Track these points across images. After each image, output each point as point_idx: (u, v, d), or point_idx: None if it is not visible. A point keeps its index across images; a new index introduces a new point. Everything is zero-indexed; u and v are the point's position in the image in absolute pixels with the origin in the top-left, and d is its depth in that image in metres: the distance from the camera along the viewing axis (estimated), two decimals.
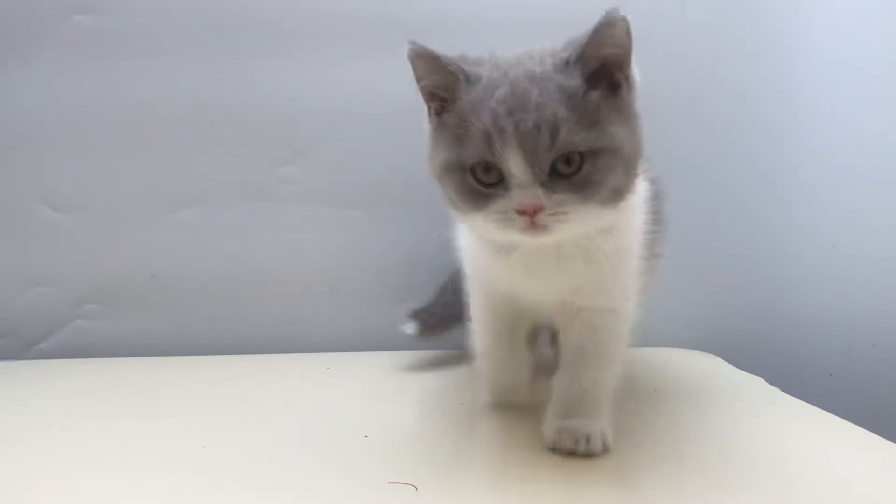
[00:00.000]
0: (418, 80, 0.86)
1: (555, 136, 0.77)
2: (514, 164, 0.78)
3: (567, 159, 0.79)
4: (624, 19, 0.79)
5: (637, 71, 0.88)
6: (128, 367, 1.46)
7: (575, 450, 0.91)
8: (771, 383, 1.35)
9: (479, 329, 1.10)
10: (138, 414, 1.17)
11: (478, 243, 0.96)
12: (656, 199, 1.03)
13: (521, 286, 0.97)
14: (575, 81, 0.80)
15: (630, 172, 0.84)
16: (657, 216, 1.03)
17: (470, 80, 0.82)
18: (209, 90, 1.54)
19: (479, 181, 0.81)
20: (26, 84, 1.52)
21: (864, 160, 1.58)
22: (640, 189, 0.94)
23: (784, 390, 1.31)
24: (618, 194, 0.83)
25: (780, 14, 1.63)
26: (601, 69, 0.82)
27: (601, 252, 0.87)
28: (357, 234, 1.57)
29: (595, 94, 0.80)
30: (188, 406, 1.21)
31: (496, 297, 1.04)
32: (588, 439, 0.91)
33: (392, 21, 1.50)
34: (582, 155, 0.79)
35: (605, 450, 0.92)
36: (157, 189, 1.56)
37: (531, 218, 0.78)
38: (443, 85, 0.84)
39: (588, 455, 0.90)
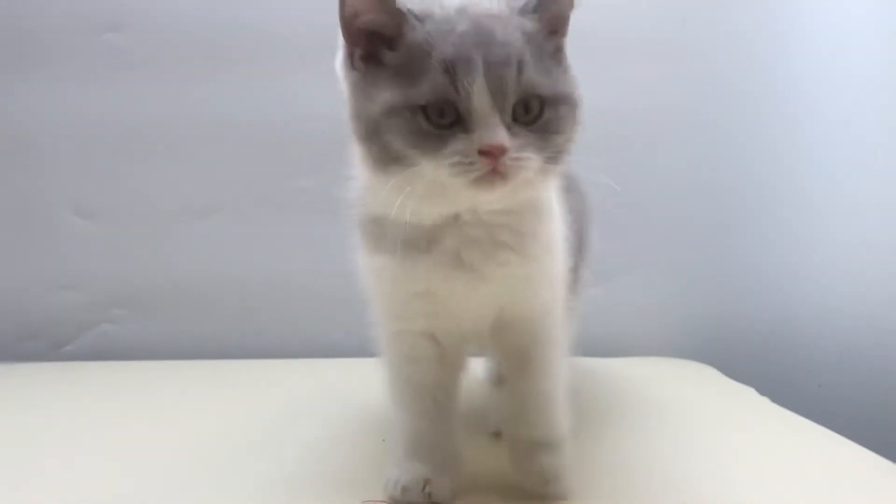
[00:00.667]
0: (352, 16, 0.75)
1: (521, 73, 0.73)
2: (480, 99, 0.71)
3: (526, 106, 0.74)
4: None
5: None
6: (151, 370, 1.54)
7: (545, 492, 0.87)
8: (761, 393, 1.41)
9: (395, 397, 0.93)
10: (160, 415, 1.24)
11: (389, 245, 0.83)
12: (578, 213, 0.98)
13: (447, 292, 0.84)
14: (536, 26, 0.77)
15: (576, 128, 0.79)
16: (578, 228, 0.97)
17: (418, 17, 0.75)
18: (230, 105, 1.63)
19: (432, 123, 0.72)
20: (58, 98, 1.60)
21: (858, 176, 1.60)
22: (555, 189, 0.89)
23: (774, 400, 1.36)
24: (565, 150, 0.78)
25: (780, 28, 1.69)
26: (552, 21, 0.79)
27: (534, 237, 0.84)
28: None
29: (551, 44, 0.78)
30: (209, 408, 1.28)
31: (412, 340, 0.89)
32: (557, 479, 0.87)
33: None
34: (542, 101, 0.75)
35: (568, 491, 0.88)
36: (180, 198, 1.65)
37: (494, 161, 0.71)
38: (384, 23, 0.75)
39: (557, 497, 0.87)
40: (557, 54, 0.80)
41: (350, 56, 0.78)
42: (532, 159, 0.74)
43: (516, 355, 0.90)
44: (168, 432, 1.14)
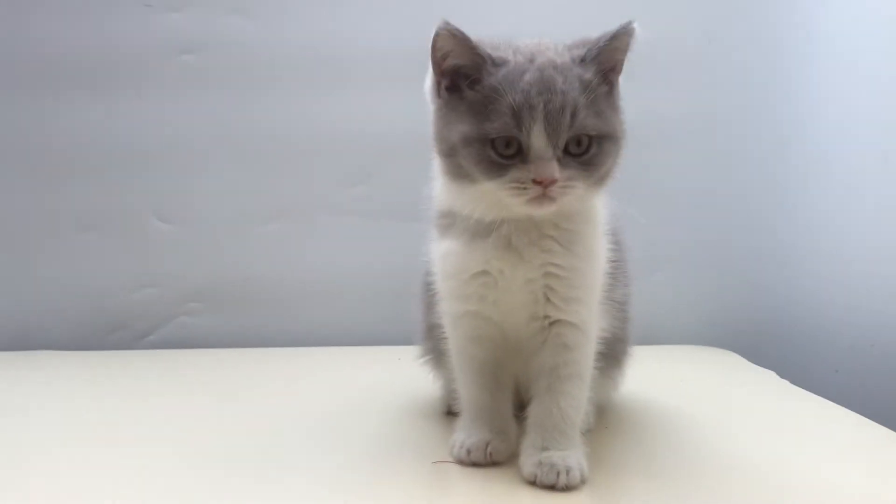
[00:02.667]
0: (442, 56, 0.89)
1: (574, 118, 0.85)
2: (538, 140, 0.84)
3: (578, 141, 0.87)
4: (635, 31, 0.89)
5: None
6: (224, 357, 1.67)
7: (556, 483, 0.91)
8: (781, 377, 1.50)
9: (461, 373, 1.05)
10: (234, 397, 1.34)
11: (456, 232, 0.96)
12: (617, 245, 1.05)
13: (499, 271, 0.95)
14: (590, 75, 0.88)
15: (618, 158, 0.92)
16: (618, 257, 1.05)
17: (496, 63, 0.88)
18: (295, 119, 1.77)
19: (498, 153, 0.86)
20: (140, 113, 1.75)
21: (869, 170, 1.64)
22: (603, 209, 1.00)
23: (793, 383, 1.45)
24: (608, 176, 0.92)
25: (800, 40, 1.80)
26: (607, 64, 0.91)
27: (577, 235, 0.94)
28: (423, 244, 1.75)
29: (603, 89, 0.90)
30: (278, 389, 1.40)
31: (474, 321, 1.00)
32: (568, 472, 0.91)
33: None
34: (590, 138, 0.87)
35: (584, 481, 0.92)
36: (249, 205, 1.79)
37: (545, 188, 0.85)
38: (469, 65, 0.88)
39: (568, 489, 0.91)
40: (611, 92, 0.92)
41: (437, 85, 0.92)
42: (577, 187, 0.87)
43: (546, 369, 0.97)
44: (240, 414, 1.23)
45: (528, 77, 0.86)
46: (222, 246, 1.79)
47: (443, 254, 0.99)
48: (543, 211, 0.88)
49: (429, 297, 1.10)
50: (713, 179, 1.83)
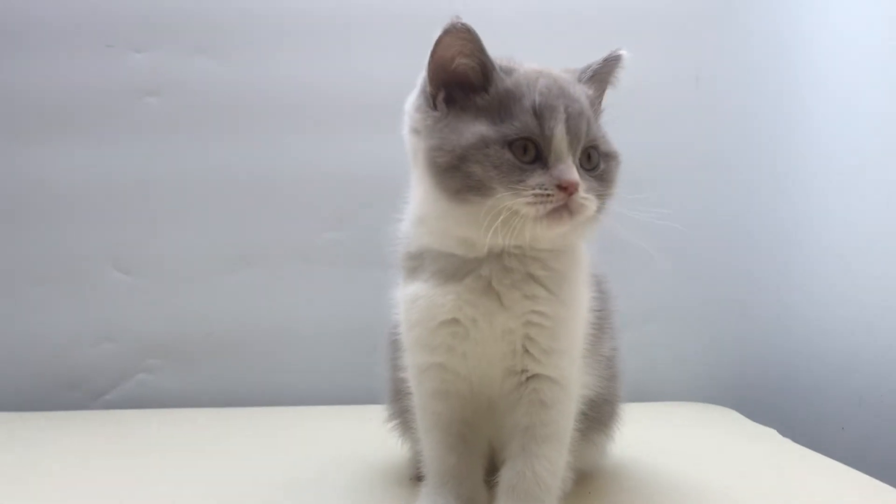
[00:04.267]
0: (449, 58, 0.84)
1: (590, 126, 0.85)
2: (560, 142, 0.81)
3: (589, 154, 0.85)
4: (623, 59, 0.92)
5: None
6: (186, 418, 1.58)
7: None
8: (783, 435, 1.44)
9: (426, 432, 0.96)
10: (195, 461, 1.27)
11: (425, 275, 0.90)
12: (601, 293, 1.01)
13: (472, 320, 0.88)
14: (593, 93, 0.90)
15: (617, 183, 0.90)
16: (602, 307, 1.00)
17: (504, 70, 0.85)
18: (262, 163, 1.71)
19: (516, 157, 0.81)
20: (99, 157, 1.68)
21: (871, 215, 1.60)
22: (587, 256, 0.95)
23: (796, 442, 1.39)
24: (609, 201, 0.88)
25: (789, 84, 1.78)
26: (599, 92, 0.92)
27: (564, 277, 0.88)
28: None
29: (599, 110, 0.91)
30: (242, 453, 1.32)
31: (440, 375, 0.92)
32: None
33: None
34: (598, 154, 0.86)
35: None
36: (214, 253, 1.71)
37: (569, 195, 0.80)
38: (480, 70, 0.84)
39: None
40: (598, 118, 0.92)
41: (433, 97, 0.86)
42: (593, 201, 0.83)
43: (521, 429, 0.90)
44: (203, 478, 1.16)
45: (543, 81, 0.85)
46: (184, 297, 1.71)
47: (408, 299, 0.92)
48: (560, 229, 0.82)
49: (395, 354, 1.01)
50: (710, 226, 1.79)
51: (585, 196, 0.82)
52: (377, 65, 1.67)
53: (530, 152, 0.82)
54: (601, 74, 0.91)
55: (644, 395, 1.63)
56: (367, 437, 1.33)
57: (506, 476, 0.90)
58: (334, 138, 1.71)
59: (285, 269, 1.72)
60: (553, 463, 0.89)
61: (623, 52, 0.91)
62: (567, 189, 0.80)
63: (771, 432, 1.47)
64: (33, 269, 1.68)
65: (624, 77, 0.94)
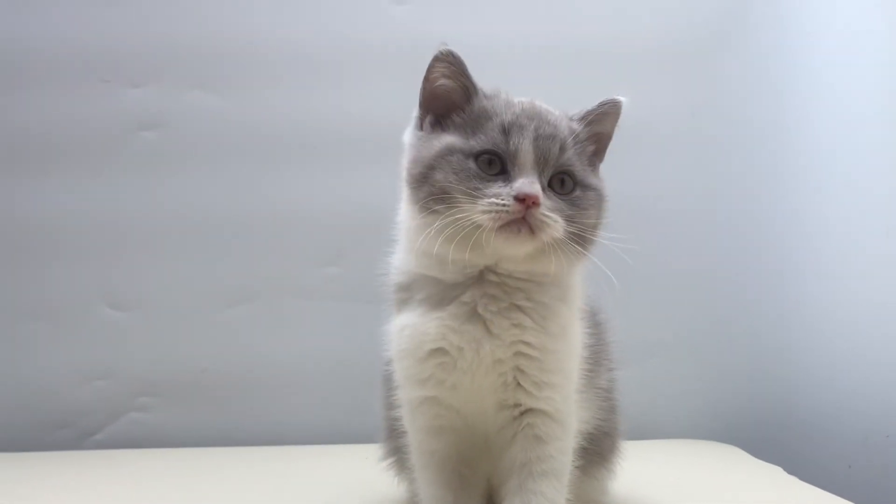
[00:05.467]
0: (436, 79, 0.88)
1: (562, 151, 0.85)
2: (525, 158, 0.82)
3: (562, 180, 0.85)
4: (621, 104, 0.92)
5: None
6: (179, 458, 1.55)
7: None
8: (789, 472, 1.41)
9: (421, 470, 0.95)
10: (188, 502, 1.24)
11: (414, 304, 0.89)
12: (596, 327, 0.99)
13: (458, 349, 0.86)
14: (581, 130, 0.89)
15: (602, 218, 0.89)
16: (597, 340, 0.98)
17: (486, 95, 0.89)
18: (259, 198, 1.70)
19: (480, 169, 0.83)
20: (93, 193, 1.68)
21: (876, 247, 1.58)
22: (581, 289, 0.94)
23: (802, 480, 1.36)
24: (590, 235, 0.86)
25: (784, 117, 1.78)
26: (594, 135, 0.92)
27: (550, 311, 0.87)
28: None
29: (590, 148, 0.91)
30: (238, 495, 1.29)
31: (433, 410, 0.90)
32: None
33: None
34: (575, 182, 0.86)
35: None
36: (210, 289, 1.69)
37: (526, 209, 0.79)
38: (461, 92, 0.88)
39: None
40: (593, 160, 0.92)
41: (421, 120, 0.90)
42: (558, 222, 0.82)
43: (517, 466, 0.88)
44: None
45: (520, 105, 0.88)
46: (178, 334, 1.69)
47: (397, 329, 0.91)
48: (519, 246, 0.82)
49: (388, 392, 0.98)
50: (711, 260, 1.78)
51: (547, 214, 0.81)
52: (374, 101, 1.67)
53: (495, 166, 0.83)
54: (599, 115, 0.91)
55: (646, 432, 1.61)
56: (363, 477, 1.30)
57: None
58: (332, 173, 1.70)
59: (281, 306, 1.70)
60: (551, 500, 0.87)
61: (622, 100, 0.91)
62: (524, 201, 0.79)
63: (776, 470, 1.45)
64: (25, 306, 1.67)
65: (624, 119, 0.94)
